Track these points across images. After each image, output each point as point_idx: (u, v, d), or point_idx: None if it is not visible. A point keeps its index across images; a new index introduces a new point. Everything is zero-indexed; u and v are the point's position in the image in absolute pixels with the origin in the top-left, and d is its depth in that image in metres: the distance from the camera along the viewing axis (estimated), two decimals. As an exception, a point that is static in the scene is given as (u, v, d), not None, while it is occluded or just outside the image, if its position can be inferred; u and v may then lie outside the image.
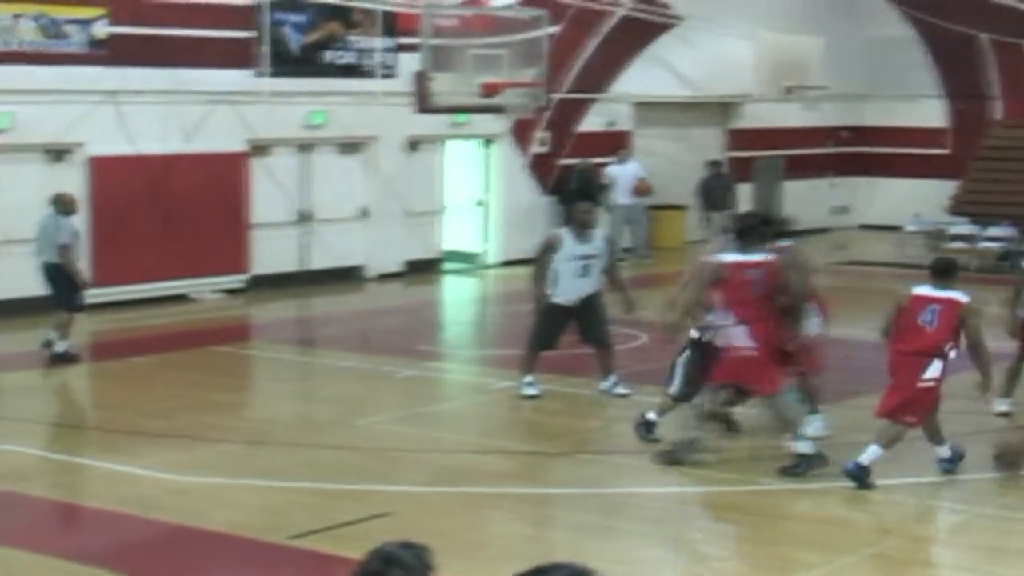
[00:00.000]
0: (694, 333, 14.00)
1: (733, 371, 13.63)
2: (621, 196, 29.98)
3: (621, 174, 30.14)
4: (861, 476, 12.83)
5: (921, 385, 12.91)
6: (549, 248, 16.54)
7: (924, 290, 13.18)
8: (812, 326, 14.00)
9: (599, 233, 17.06)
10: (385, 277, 26.87)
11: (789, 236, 15.51)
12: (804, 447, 13.32)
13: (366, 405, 16.57)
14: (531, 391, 16.48)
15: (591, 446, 14.83)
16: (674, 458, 13.52)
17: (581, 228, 16.58)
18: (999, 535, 11.76)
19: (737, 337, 13.41)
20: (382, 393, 17.40)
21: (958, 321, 12.93)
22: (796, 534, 11.93)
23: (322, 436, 14.85)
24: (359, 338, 21.43)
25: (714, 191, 31.31)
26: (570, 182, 29.36)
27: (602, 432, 15.74)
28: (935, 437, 13.30)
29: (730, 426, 14.78)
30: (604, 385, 16.58)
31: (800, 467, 13.20)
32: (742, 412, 14.69)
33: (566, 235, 16.57)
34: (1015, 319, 15.72)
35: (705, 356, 13.86)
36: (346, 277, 26.42)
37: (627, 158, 30.53)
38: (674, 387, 14.16)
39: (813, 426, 14.36)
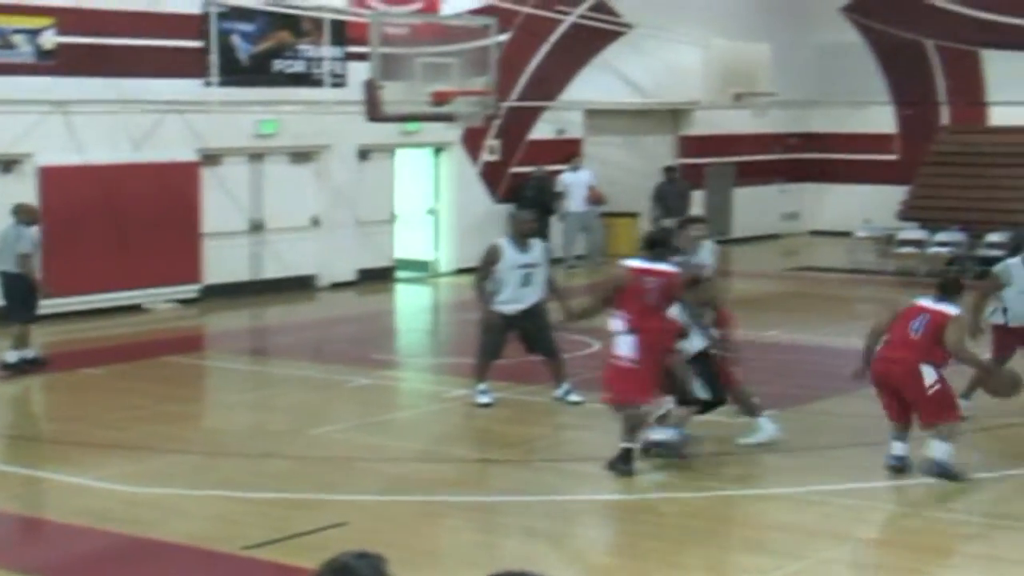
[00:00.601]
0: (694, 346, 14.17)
1: (607, 379, 13.88)
2: (575, 204, 30.06)
3: (574, 182, 30.22)
4: (948, 472, 13.09)
5: (931, 392, 13.18)
6: (490, 258, 16.59)
7: (924, 301, 13.55)
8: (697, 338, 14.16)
9: (539, 242, 17.12)
10: (337, 286, 26.86)
11: (728, 242, 15.74)
12: (629, 443, 13.59)
13: (320, 414, 16.55)
14: (485, 399, 16.51)
15: (545, 454, 14.86)
16: (627, 467, 13.56)
17: (521, 237, 16.64)
18: (947, 538, 11.85)
19: (622, 346, 13.58)
20: (336, 402, 17.39)
21: (941, 331, 13.20)
22: (749, 540, 11.98)
23: (276, 446, 14.83)
24: (312, 347, 21.40)
25: (670, 197, 31.43)
26: (525, 190, 29.44)
27: (555, 440, 15.77)
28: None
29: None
30: (557, 393, 16.63)
31: (620, 464, 13.42)
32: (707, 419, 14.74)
33: (506, 244, 16.61)
34: (979, 324, 15.82)
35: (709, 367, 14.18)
36: (298, 286, 26.40)
37: (580, 166, 30.61)
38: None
39: (764, 431, 14.47)
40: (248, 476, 13.69)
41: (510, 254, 16.46)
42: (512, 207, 29.00)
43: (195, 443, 15.09)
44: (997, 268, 16.16)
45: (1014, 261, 15.99)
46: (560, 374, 16.70)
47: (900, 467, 13.50)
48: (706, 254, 15.91)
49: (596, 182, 30.47)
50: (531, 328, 16.57)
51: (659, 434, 14.11)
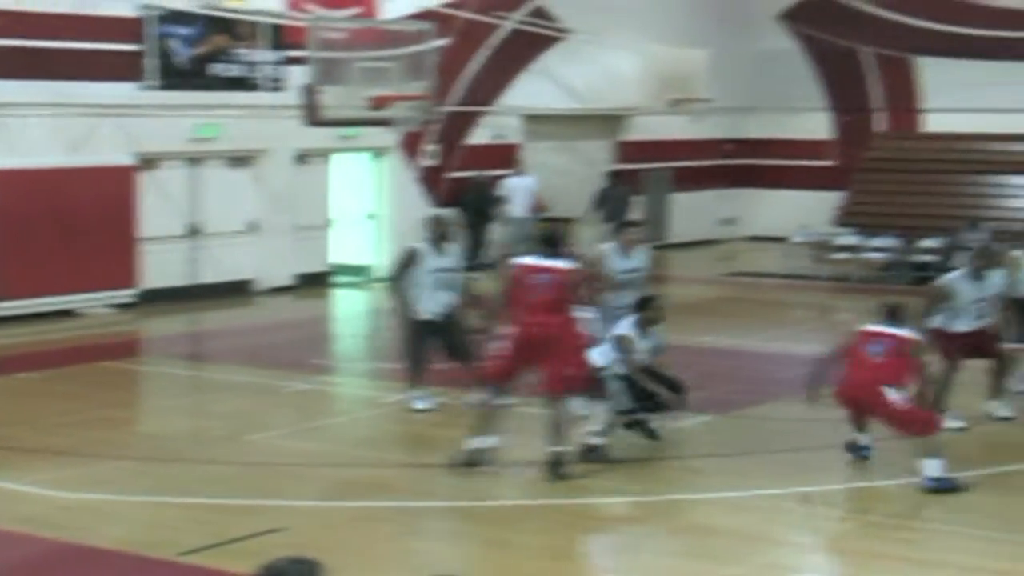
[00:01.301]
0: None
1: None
2: (518, 209, 30.14)
3: (518, 187, 30.30)
4: (946, 485, 13.21)
5: (901, 410, 13.41)
6: (408, 262, 16.59)
7: (877, 327, 13.81)
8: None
9: (456, 247, 17.18)
10: (275, 291, 26.79)
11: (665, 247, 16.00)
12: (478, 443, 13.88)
13: (258, 420, 16.50)
14: (421, 404, 16.51)
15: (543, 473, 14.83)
16: (561, 472, 13.60)
17: (440, 241, 16.66)
18: (884, 543, 11.93)
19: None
20: (274, 407, 17.34)
21: (906, 354, 13.52)
22: (686, 545, 12.02)
23: (214, 451, 14.78)
24: (250, 352, 21.34)
25: (611, 202, 31.54)
26: (466, 194, 29.51)
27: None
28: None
29: (651, 435, 14.95)
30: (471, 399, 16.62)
31: (555, 468, 13.51)
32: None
33: (425, 249, 16.62)
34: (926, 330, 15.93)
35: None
36: (236, 291, 26.31)
37: (524, 171, 30.68)
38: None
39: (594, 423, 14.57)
40: (184, 482, 13.64)
41: (429, 258, 16.49)
42: (453, 212, 29.17)
43: (131, 448, 15.02)
44: (941, 283, 16.17)
45: (956, 275, 16.06)
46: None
47: (863, 454, 14.00)
48: (642, 258, 16.04)
49: (539, 189, 30.54)
50: (448, 333, 16.58)
51: (595, 439, 14.17)
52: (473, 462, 13.76)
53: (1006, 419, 16.18)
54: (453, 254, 16.70)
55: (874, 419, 13.83)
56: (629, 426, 14.84)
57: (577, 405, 14.01)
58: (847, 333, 14.14)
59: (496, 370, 13.83)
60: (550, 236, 14.42)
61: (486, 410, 13.92)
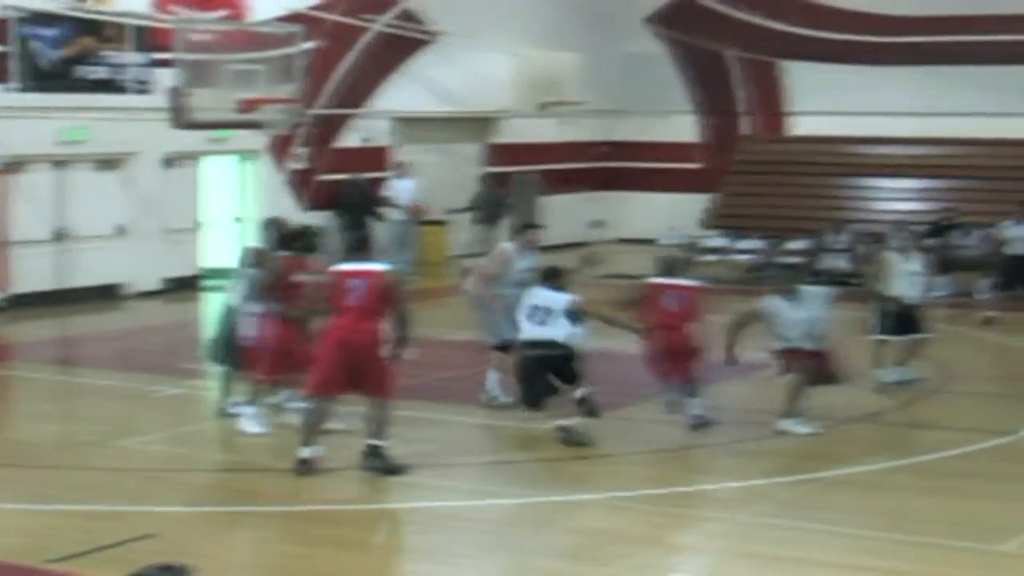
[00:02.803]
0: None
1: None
2: (396, 212, 30.14)
3: (400, 189, 30.30)
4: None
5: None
6: (248, 263, 16.67)
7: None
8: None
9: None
10: (144, 295, 26.57)
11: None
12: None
13: (128, 425, 16.36)
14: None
15: (352, 462, 14.82)
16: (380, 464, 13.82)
17: (279, 245, 16.80)
18: (755, 543, 12.05)
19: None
20: (145, 412, 17.19)
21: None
22: (559, 546, 12.06)
23: (83, 457, 14.63)
24: (120, 356, 21.14)
25: (486, 205, 31.63)
26: (344, 197, 29.49)
27: (362, 448, 15.73)
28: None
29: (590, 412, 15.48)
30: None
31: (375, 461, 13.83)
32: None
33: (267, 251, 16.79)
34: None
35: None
36: (105, 295, 26.06)
37: (405, 174, 30.66)
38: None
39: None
40: (53, 488, 13.49)
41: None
42: (332, 214, 29.17)
43: (-1, 455, 14.85)
44: (762, 304, 16.03)
45: (780, 302, 15.85)
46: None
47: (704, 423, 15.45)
48: (536, 259, 16.65)
49: (419, 194, 30.54)
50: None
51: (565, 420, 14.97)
52: (307, 471, 13.80)
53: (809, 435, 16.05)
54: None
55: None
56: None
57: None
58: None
59: (318, 382, 13.90)
60: (357, 242, 15.20)
61: (311, 420, 14.02)
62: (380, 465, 13.80)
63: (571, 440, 14.78)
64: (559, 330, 15.04)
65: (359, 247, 14.58)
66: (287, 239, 16.00)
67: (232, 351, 16.13)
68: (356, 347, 13.61)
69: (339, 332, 13.65)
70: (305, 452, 13.83)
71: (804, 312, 15.74)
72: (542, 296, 15.25)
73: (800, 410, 15.65)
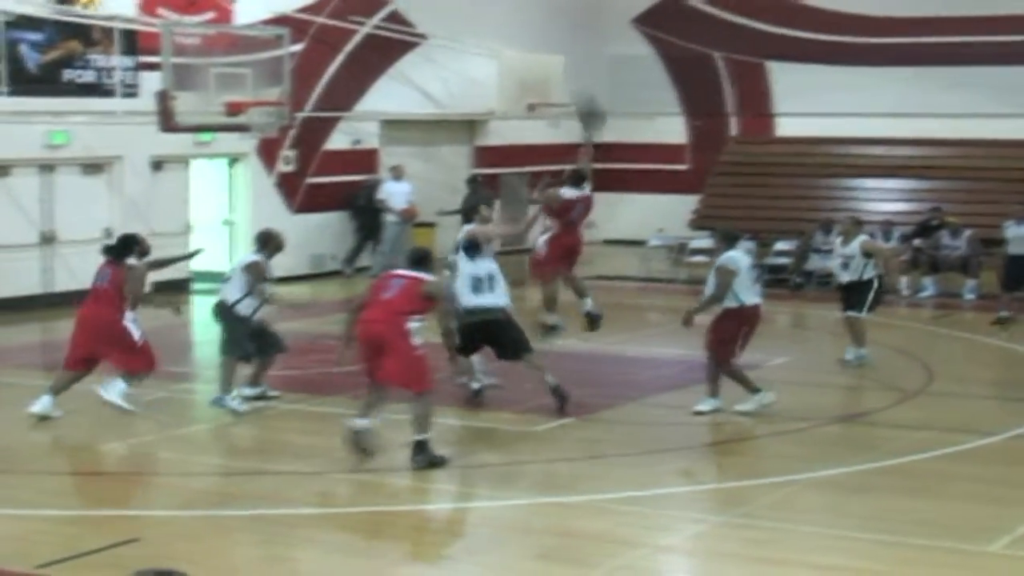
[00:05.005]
0: None
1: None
2: (392, 214, 30.20)
3: (396, 191, 30.34)
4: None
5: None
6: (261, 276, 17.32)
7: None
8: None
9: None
10: (132, 299, 26.50)
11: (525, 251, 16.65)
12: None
13: (114, 428, 16.35)
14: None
15: (340, 465, 14.86)
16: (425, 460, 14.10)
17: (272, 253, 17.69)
18: (738, 543, 12.11)
19: None
20: (131, 416, 17.19)
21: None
22: (541, 548, 12.10)
23: (69, 461, 14.67)
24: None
25: (474, 207, 31.62)
26: (358, 198, 29.75)
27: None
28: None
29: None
30: (249, 391, 17.37)
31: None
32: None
33: (264, 262, 17.47)
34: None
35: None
36: (91, 299, 25.98)
37: (401, 176, 30.70)
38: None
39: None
40: (40, 493, 13.52)
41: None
42: (347, 215, 29.50)
43: (-15, 460, 14.86)
44: (723, 260, 16.79)
45: (735, 253, 16.92)
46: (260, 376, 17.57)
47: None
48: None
49: (414, 197, 30.62)
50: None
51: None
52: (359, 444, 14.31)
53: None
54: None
55: None
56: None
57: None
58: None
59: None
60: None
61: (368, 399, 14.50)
62: (424, 460, 14.14)
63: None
64: None
65: (420, 259, 14.70)
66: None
67: (240, 342, 17.02)
68: (372, 337, 14.07)
69: (361, 324, 14.19)
70: (359, 423, 14.32)
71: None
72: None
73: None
